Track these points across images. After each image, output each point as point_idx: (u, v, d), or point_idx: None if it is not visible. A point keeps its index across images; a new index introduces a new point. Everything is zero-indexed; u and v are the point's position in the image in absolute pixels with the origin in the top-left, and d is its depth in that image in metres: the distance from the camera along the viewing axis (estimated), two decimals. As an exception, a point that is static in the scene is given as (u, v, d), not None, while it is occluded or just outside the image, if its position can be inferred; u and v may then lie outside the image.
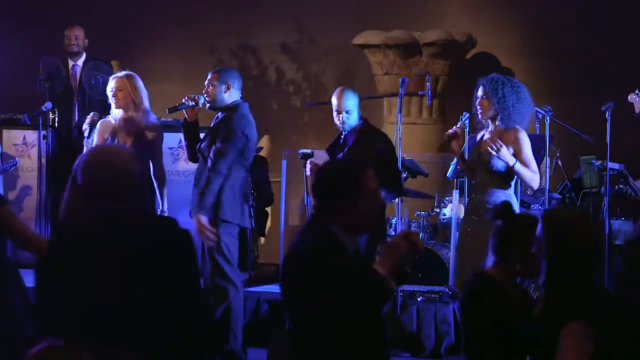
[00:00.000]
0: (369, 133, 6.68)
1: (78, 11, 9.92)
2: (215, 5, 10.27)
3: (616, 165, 7.34)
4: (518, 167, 5.99)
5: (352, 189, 3.43)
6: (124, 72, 6.68)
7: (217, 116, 6.46)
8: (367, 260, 3.58)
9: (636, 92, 7.33)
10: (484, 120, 6.20)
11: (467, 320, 3.91)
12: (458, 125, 6.31)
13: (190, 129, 6.49)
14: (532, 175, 6.06)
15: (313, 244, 3.42)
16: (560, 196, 7.89)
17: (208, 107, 6.44)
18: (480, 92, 6.20)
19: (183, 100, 6.41)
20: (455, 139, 6.24)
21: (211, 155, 6.24)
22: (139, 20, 10.24)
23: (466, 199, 6.40)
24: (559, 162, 8.08)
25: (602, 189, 7.30)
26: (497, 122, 6.14)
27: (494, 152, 5.97)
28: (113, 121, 6.64)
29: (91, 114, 6.75)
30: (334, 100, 6.64)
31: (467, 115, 6.69)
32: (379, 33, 9.39)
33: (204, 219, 6.15)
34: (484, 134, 6.22)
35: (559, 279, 3.36)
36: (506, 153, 5.98)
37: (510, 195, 6.12)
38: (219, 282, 6.29)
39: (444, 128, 9.27)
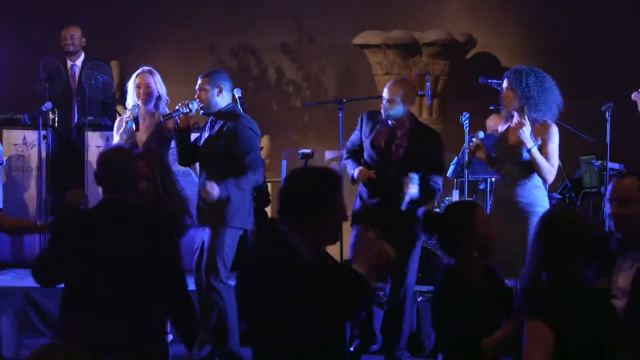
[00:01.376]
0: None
1: (78, 11, 9.92)
2: (215, 5, 10.27)
3: (616, 165, 7.35)
4: (535, 151, 5.95)
5: (328, 204, 3.31)
6: (147, 68, 6.78)
7: (212, 119, 6.41)
8: (330, 271, 3.42)
9: (639, 90, 7.32)
10: (514, 112, 6.11)
11: (441, 318, 3.91)
12: (475, 138, 6.20)
13: (182, 135, 6.46)
14: (549, 167, 6.02)
15: (270, 252, 3.32)
16: (560, 196, 7.89)
17: (202, 113, 6.40)
18: (505, 84, 6.15)
19: (177, 107, 6.38)
20: (479, 150, 6.19)
21: (245, 162, 6.20)
22: (139, 20, 10.24)
23: (490, 197, 6.44)
24: (559, 162, 8.06)
25: (602, 189, 7.30)
26: (525, 113, 6.06)
27: (519, 132, 5.92)
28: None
29: (132, 106, 6.74)
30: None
31: (467, 115, 6.68)
32: (379, 33, 9.39)
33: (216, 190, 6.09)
34: (509, 125, 6.13)
35: (546, 274, 3.37)
36: (527, 133, 5.93)
37: (540, 187, 6.08)
38: (213, 282, 6.28)
39: (444, 128, 9.30)
